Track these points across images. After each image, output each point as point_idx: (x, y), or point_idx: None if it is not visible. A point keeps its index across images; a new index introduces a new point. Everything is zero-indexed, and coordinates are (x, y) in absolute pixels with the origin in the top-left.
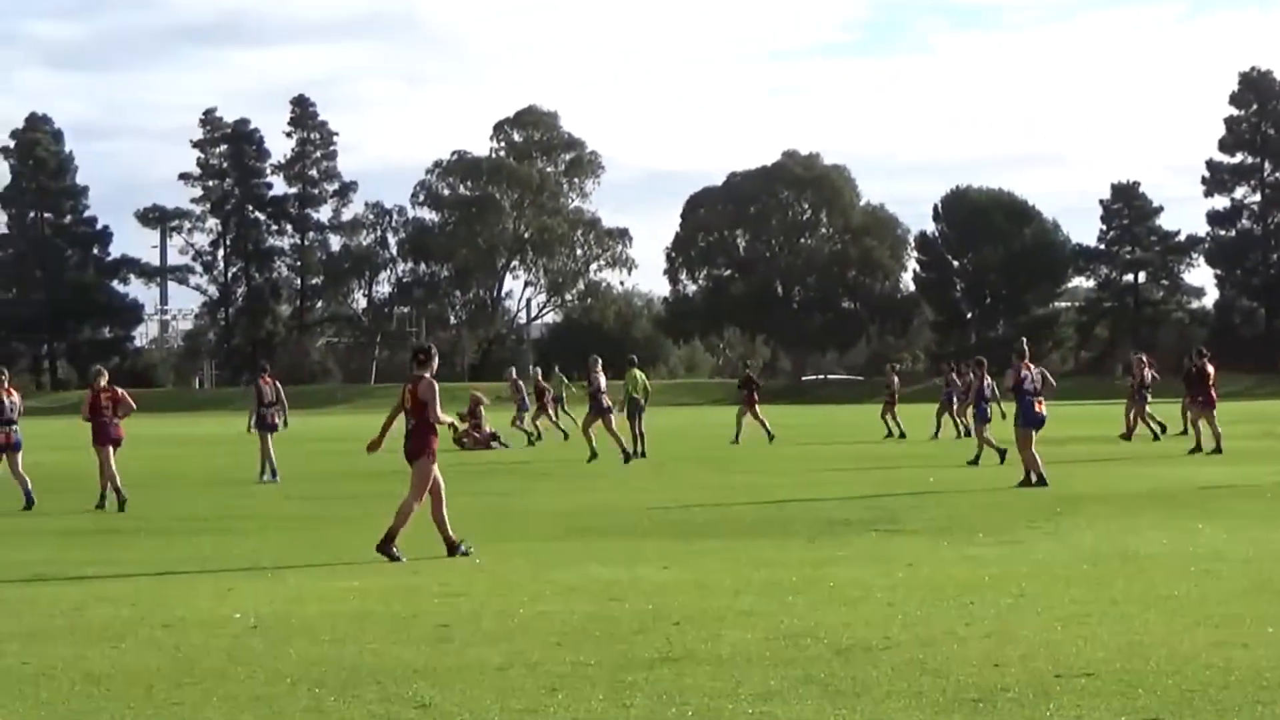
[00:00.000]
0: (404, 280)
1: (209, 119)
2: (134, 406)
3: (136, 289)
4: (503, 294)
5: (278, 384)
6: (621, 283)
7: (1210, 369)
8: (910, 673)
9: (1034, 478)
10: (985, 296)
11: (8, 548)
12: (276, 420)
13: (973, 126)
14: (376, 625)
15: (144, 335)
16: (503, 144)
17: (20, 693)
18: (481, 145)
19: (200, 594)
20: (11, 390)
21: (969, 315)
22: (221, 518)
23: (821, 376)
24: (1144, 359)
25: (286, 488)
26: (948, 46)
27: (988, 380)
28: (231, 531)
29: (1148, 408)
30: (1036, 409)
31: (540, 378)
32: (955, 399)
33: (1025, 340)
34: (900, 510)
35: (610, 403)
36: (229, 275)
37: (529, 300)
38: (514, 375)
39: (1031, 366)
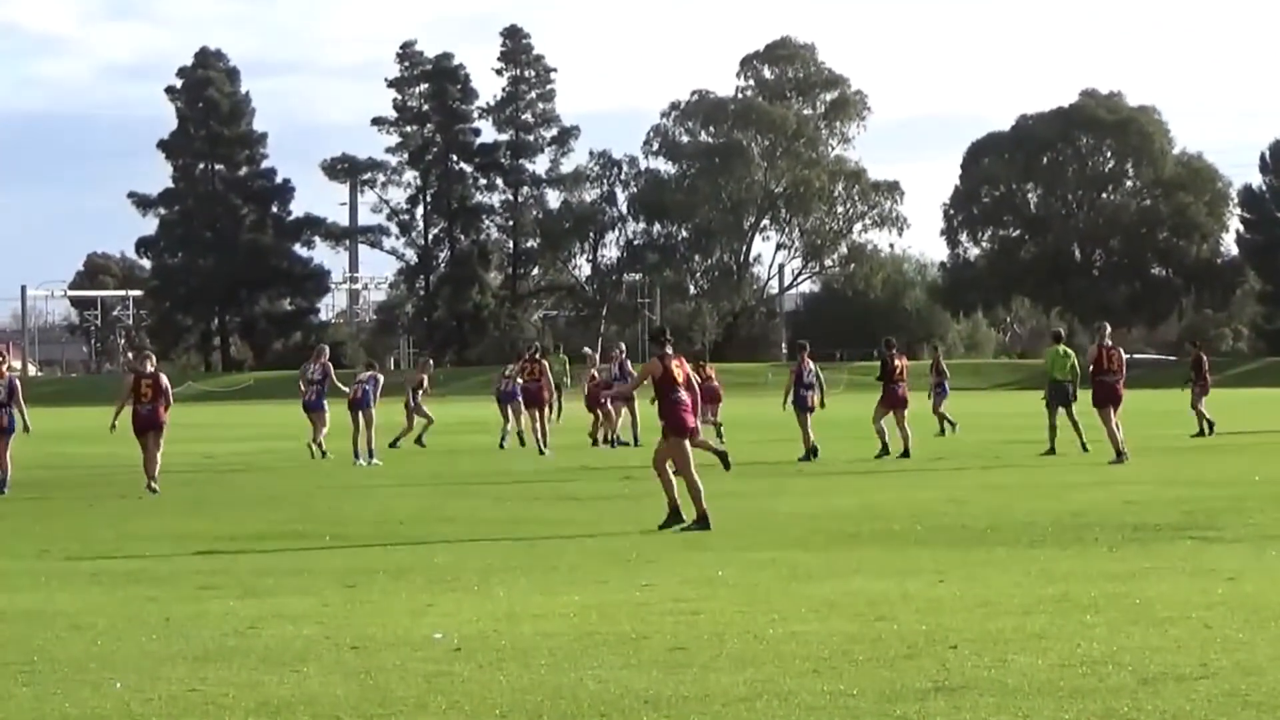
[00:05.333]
0: (634, 243)
1: (407, 54)
2: (171, 400)
3: (322, 253)
4: (751, 259)
5: (328, 363)
6: (891, 245)
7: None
8: (1230, 706)
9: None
10: None
11: (171, 557)
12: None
13: None
14: (600, 648)
15: (330, 307)
16: (751, 82)
17: None
18: (726, 84)
19: (394, 610)
20: (3, 371)
21: None
22: (419, 521)
23: (1127, 356)
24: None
25: (499, 490)
26: None
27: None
28: (430, 538)
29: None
30: (810, 401)
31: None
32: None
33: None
34: (1220, 513)
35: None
36: (429, 237)
37: (782, 266)
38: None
39: (811, 362)
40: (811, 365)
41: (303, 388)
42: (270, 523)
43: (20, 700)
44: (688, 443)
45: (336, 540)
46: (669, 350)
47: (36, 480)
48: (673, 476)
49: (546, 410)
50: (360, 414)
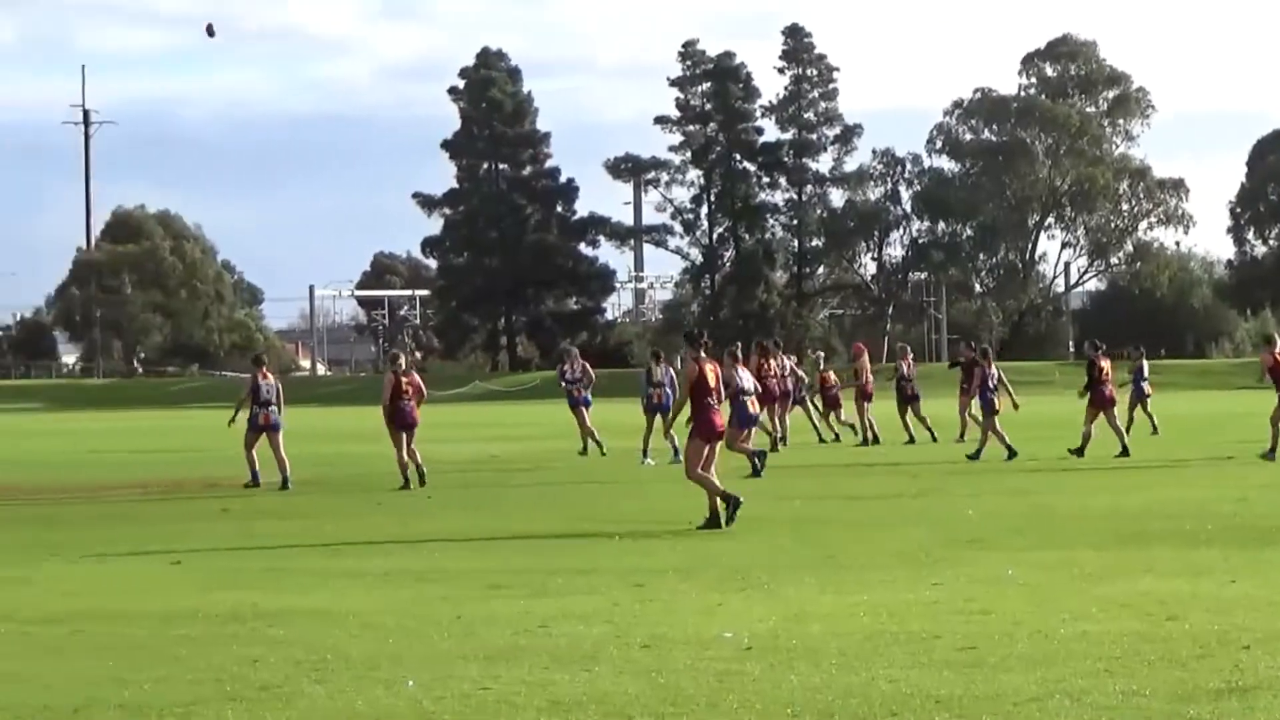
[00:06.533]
0: (919, 241)
1: (689, 53)
2: (425, 395)
3: (607, 252)
4: (1036, 257)
5: (584, 362)
6: (1177, 243)
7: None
8: None
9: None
10: None
11: (461, 555)
12: (584, 394)
13: None
14: (891, 647)
15: (616, 306)
16: (1033, 80)
17: None
18: (1008, 82)
19: (684, 609)
20: (268, 374)
21: None
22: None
23: None
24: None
25: (781, 486)
26: None
27: (992, 370)
28: (716, 535)
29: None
30: (749, 409)
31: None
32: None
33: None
34: None
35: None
36: (714, 236)
37: (1067, 264)
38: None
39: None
40: (907, 365)
41: (565, 386)
42: (556, 521)
43: (313, 698)
44: (712, 446)
45: (624, 538)
46: (703, 354)
47: (326, 479)
48: (711, 475)
49: (787, 407)
50: (659, 416)
